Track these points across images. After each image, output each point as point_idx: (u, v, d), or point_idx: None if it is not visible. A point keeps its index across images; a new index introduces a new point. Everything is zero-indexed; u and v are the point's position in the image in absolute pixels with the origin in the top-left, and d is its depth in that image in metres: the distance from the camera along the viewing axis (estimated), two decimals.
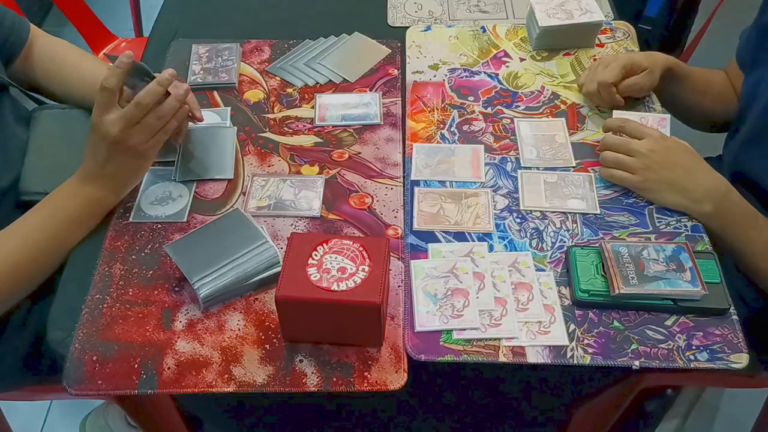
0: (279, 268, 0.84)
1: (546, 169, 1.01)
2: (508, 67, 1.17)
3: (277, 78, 1.16)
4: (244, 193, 0.98)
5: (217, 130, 1.05)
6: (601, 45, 1.21)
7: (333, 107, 1.10)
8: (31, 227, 0.87)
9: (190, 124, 1.04)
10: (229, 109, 1.10)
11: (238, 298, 0.86)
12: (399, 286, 0.87)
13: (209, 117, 1.08)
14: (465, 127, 1.07)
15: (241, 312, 0.85)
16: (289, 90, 1.14)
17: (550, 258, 0.90)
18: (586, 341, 0.81)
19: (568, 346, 0.81)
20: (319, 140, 1.05)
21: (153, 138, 0.89)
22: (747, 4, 1.95)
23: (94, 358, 0.80)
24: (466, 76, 1.15)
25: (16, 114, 1.04)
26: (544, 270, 0.88)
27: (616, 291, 0.82)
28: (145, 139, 0.88)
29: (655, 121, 1.02)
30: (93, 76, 1.07)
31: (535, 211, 0.95)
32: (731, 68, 1.16)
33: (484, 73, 1.16)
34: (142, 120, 0.87)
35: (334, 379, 0.79)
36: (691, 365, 0.80)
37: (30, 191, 0.97)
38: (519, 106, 1.10)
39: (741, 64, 1.11)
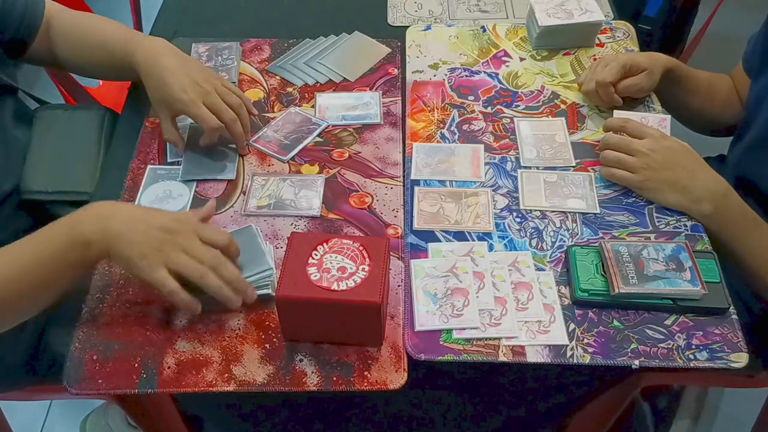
0: (266, 291, 0.83)
1: (546, 168, 1.01)
2: (508, 66, 1.17)
3: (277, 77, 1.16)
4: (244, 193, 0.98)
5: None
6: (601, 45, 1.21)
7: (333, 107, 1.10)
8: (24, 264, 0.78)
9: (193, 123, 1.04)
10: None
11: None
12: (399, 286, 0.87)
13: None
14: (465, 127, 1.07)
15: (241, 311, 0.85)
16: (289, 89, 1.14)
17: (549, 257, 0.90)
18: (585, 341, 0.81)
19: (567, 345, 0.81)
20: (319, 139, 1.05)
21: (176, 265, 0.77)
22: (747, 4, 1.96)
23: (95, 357, 0.80)
24: (466, 76, 1.15)
25: (18, 115, 1.04)
26: (543, 269, 0.88)
27: (616, 290, 0.82)
28: (175, 257, 0.77)
29: (656, 121, 1.02)
30: (114, 41, 1.02)
31: (535, 210, 0.95)
32: (736, 73, 1.15)
33: (484, 72, 1.16)
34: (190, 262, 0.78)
35: (334, 379, 0.79)
36: (691, 364, 0.80)
37: (32, 190, 0.97)
38: (519, 106, 1.10)
39: (748, 70, 1.11)
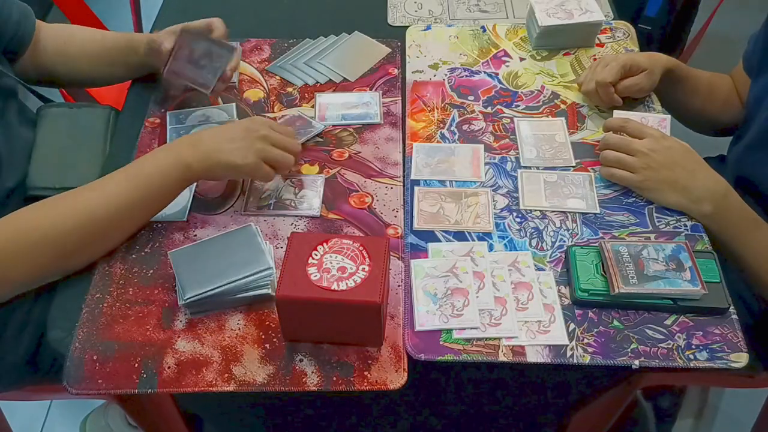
0: (266, 291, 0.84)
1: (546, 168, 1.01)
2: (508, 66, 1.17)
3: (277, 77, 1.16)
4: (244, 193, 0.98)
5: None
6: (601, 45, 1.21)
7: (333, 106, 1.10)
8: (112, 189, 0.87)
9: (193, 121, 1.04)
10: (234, 104, 1.09)
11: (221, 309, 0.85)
12: (399, 286, 0.87)
13: (215, 115, 1.08)
14: (465, 127, 1.07)
15: (241, 311, 0.85)
16: (289, 89, 1.14)
17: (549, 257, 0.90)
18: (585, 341, 0.81)
19: (567, 345, 0.81)
20: (319, 139, 1.06)
21: (266, 160, 0.91)
22: (747, 4, 1.96)
23: (95, 357, 0.80)
24: (466, 76, 1.15)
25: (22, 116, 1.05)
26: (543, 269, 0.88)
27: (616, 290, 0.82)
28: (265, 152, 0.91)
29: (656, 121, 1.02)
30: (106, 35, 1.10)
31: (535, 210, 0.95)
32: (736, 72, 1.15)
33: (484, 72, 1.16)
34: (276, 149, 0.92)
35: (334, 379, 0.79)
36: (691, 364, 0.80)
37: (37, 186, 0.98)
38: (519, 106, 1.10)
39: (748, 69, 1.11)
